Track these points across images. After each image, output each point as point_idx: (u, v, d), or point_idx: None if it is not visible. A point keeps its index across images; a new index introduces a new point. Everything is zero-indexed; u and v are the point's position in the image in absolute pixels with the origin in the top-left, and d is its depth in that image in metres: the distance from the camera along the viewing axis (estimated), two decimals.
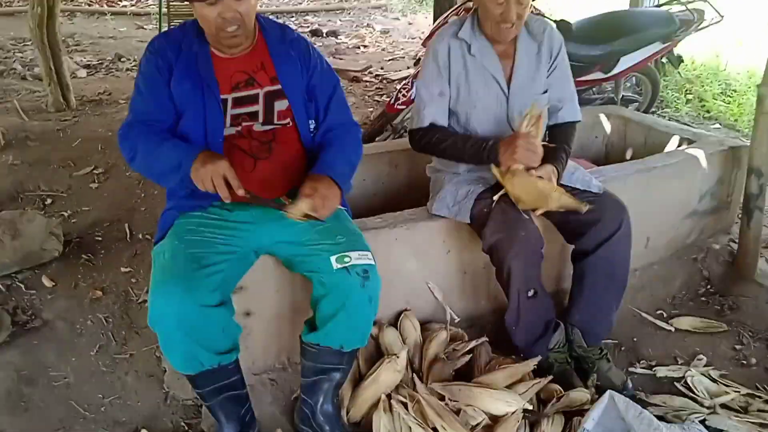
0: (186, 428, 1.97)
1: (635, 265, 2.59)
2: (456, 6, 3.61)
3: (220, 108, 1.78)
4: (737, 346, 2.28)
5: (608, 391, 1.69)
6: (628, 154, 3.11)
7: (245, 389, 1.82)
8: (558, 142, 2.11)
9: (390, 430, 1.80)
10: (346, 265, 1.70)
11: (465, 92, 2.12)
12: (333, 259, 1.71)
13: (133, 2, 8.81)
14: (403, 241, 2.15)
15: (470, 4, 3.37)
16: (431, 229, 2.18)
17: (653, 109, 4.27)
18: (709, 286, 2.60)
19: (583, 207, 1.93)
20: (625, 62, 3.58)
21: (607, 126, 3.21)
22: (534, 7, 3.49)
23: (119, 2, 8.42)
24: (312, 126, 1.92)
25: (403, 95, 3.36)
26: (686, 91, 5.01)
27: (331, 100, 1.93)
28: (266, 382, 2.06)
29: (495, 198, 2.00)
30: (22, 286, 2.53)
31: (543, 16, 3.41)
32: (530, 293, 1.99)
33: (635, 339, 2.33)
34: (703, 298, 2.55)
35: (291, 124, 1.87)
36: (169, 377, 2.08)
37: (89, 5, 8.40)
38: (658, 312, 2.47)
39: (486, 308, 2.36)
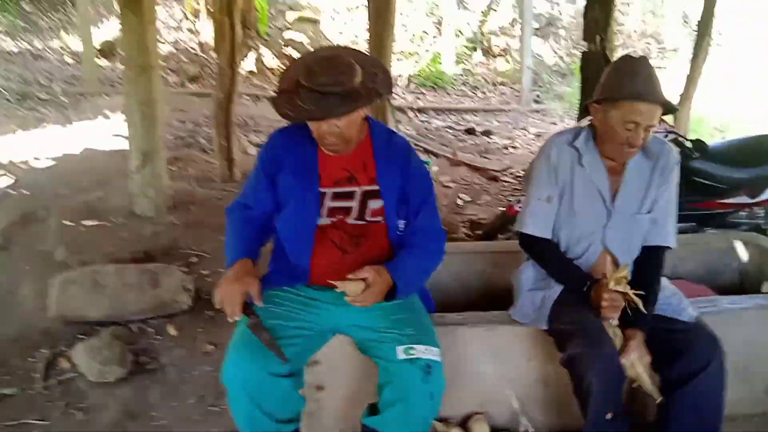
0: None
1: (751, 411, 2.36)
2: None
3: (317, 199, 1.95)
4: None
5: None
6: (765, 287, 2.85)
7: None
8: (647, 272, 2.07)
9: None
10: (411, 357, 1.77)
11: (568, 200, 2.13)
12: (399, 349, 1.78)
13: None
14: (482, 342, 2.17)
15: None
16: (512, 333, 2.18)
17: None
18: None
19: (656, 395, 1.92)
20: None
21: (743, 254, 2.99)
22: (669, 124, 3.43)
23: None
24: (402, 225, 2.03)
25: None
26: None
27: (423, 205, 2.03)
28: None
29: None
30: (152, 331, 2.86)
31: (678, 135, 3.33)
32: (608, 416, 1.90)
33: None
34: None
35: (382, 222, 2.00)
36: None
37: (274, 92, 9.44)
38: None
39: (568, 427, 2.25)
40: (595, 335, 1.93)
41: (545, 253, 2.14)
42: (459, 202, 4.86)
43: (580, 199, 2.12)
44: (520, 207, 3.36)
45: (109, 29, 9.62)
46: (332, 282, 1.82)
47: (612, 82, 2.00)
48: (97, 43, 8.86)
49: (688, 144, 3.22)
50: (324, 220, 1.97)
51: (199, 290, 3.16)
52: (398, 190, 2.00)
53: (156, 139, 3.95)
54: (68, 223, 3.82)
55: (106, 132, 6.49)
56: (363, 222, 1.98)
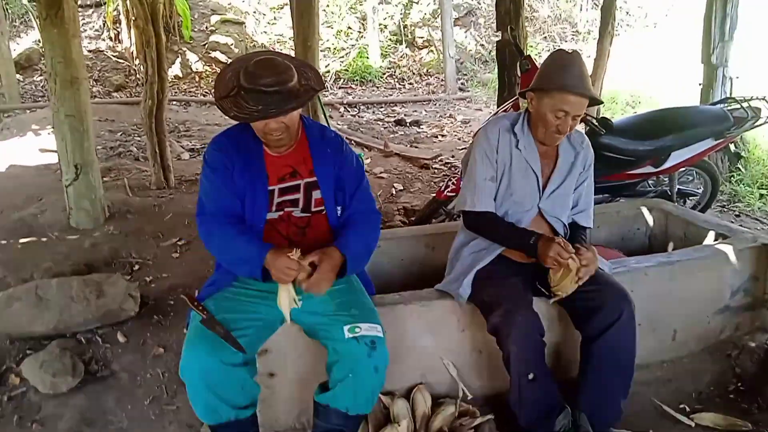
0: None
1: (663, 358, 2.62)
2: (510, 101, 3.87)
3: (266, 197, 2.08)
4: None
5: None
6: (670, 247, 3.15)
7: None
8: (575, 238, 2.34)
9: None
10: (356, 335, 1.92)
11: (506, 181, 2.35)
12: (345, 329, 1.93)
13: None
14: (419, 318, 2.34)
15: (521, 102, 3.62)
16: (446, 307, 2.36)
17: (720, 202, 4.24)
18: (739, 384, 2.55)
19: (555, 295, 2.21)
20: (676, 157, 3.65)
21: (649, 219, 3.28)
22: None
23: None
24: (339, 211, 2.19)
25: (453, 183, 3.60)
26: (759, 186, 4.92)
27: (357, 191, 2.19)
28: None
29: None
30: (100, 340, 2.90)
31: (586, 114, 3.59)
32: (530, 377, 2.11)
33: (651, 431, 2.33)
34: (731, 396, 2.51)
35: (324, 211, 2.16)
36: (205, 429, 2.33)
37: (203, 95, 9.42)
38: (681, 406, 2.45)
39: (500, 388, 2.44)
40: (512, 305, 2.13)
41: (491, 223, 2.33)
42: (393, 191, 5.03)
43: (517, 178, 2.34)
44: (449, 192, 3.59)
45: (24, 42, 9.32)
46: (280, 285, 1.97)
47: (546, 73, 2.22)
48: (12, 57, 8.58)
49: (595, 122, 3.48)
50: (272, 215, 2.10)
51: (145, 297, 3.21)
52: (334, 178, 2.15)
53: (88, 151, 3.93)
54: (3, 242, 3.79)
55: (32, 147, 6.35)
56: (308, 214, 2.13)
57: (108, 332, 2.95)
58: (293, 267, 1.91)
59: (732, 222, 4.01)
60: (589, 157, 2.42)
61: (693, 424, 2.35)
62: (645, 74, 8.44)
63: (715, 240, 2.89)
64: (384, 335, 1.97)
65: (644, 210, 3.28)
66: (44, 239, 3.85)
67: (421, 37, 11.33)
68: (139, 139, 6.79)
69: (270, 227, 2.11)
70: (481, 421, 2.23)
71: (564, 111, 2.16)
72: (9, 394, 2.52)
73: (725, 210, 4.65)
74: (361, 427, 2.19)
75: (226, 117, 1.96)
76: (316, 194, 2.13)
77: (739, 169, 4.87)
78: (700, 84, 5.09)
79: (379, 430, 2.15)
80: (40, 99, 8.47)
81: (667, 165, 3.66)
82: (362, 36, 11.11)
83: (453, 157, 6.01)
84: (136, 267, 3.64)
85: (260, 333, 2.06)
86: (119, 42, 9.92)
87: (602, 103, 2.36)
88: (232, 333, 1.91)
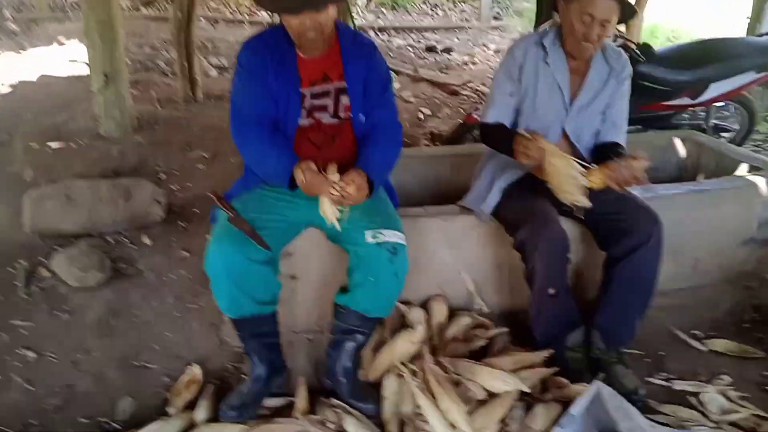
0: (232, 370, 2.29)
1: (682, 285, 2.62)
2: (546, 22, 3.75)
3: (299, 100, 2.06)
4: (767, 373, 2.25)
5: (595, 381, 1.78)
6: (700, 178, 3.09)
7: (278, 339, 2.10)
8: (606, 150, 2.23)
9: (396, 392, 2.01)
10: (378, 240, 1.93)
11: (531, 96, 2.29)
12: (368, 234, 1.94)
13: (270, 14, 9.59)
14: (440, 232, 2.35)
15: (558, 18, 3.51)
16: (468, 222, 2.36)
17: (754, 142, 4.13)
18: (756, 315, 2.55)
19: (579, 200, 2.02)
20: (715, 89, 3.54)
21: (681, 150, 3.21)
22: (618, 31, 3.56)
23: (257, 13, 9.20)
24: (362, 118, 2.15)
25: (482, 106, 3.54)
26: None
27: (381, 98, 2.14)
28: (304, 340, 2.34)
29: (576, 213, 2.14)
30: (127, 241, 2.98)
31: (627, 39, 3.48)
32: (551, 292, 2.12)
33: (663, 353, 2.36)
34: (746, 326, 2.51)
35: (350, 118, 2.14)
36: (226, 327, 2.40)
37: (231, 14, 9.28)
38: (695, 332, 2.47)
39: (519, 305, 2.47)
40: (541, 221, 2.12)
41: (497, 133, 2.28)
42: (420, 116, 4.98)
43: (543, 95, 2.28)
44: (478, 114, 3.54)
45: None
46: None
47: None
48: None
49: (635, 48, 3.37)
50: (303, 122, 2.09)
51: (171, 204, 3.27)
52: (362, 84, 2.11)
53: (117, 60, 3.94)
54: (34, 145, 3.85)
55: (62, 58, 6.36)
56: (337, 120, 2.11)
57: (134, 234, 3.03)
58: (328, 185, 1.90)
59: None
60: (625, 71, 2.30)
61: (705, 349, 2.38)
62: (688, 8, 8.08)
63: (747, 173, 2.82)
64: (406, 243, 1.99)
65: (676, 140, 3.21)
66: (73, 145, 3.91)
67: None
68: (167, 54, 6.76)
69: (301, 134, 2.10)
70: (495, 333, 2.27)
71: (590, 15, 2.06)
72: (39, 285, 2.62)
73: (759, 149, 4.52)
74: (378, 330, 2.24)
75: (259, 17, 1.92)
76: (345, 100, 2.10)
77: None
78: (747, 17, 4.87)
79: (395, 334, 2.20)
80: (69, 11, 8.42)
81: (705, 97, 3.56)
82: None
83: (483, 84, 5.89)
84: (163, 176, 3.69)
85: (284, 234, 2.09)
86: None
87: (636, 13, 2.23)
88: (257, 232, 1.94)
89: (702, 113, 3.83)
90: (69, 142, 3.92)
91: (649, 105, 3.57)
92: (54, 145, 3.86)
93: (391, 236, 1.96)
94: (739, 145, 3.91)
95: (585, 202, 2.01)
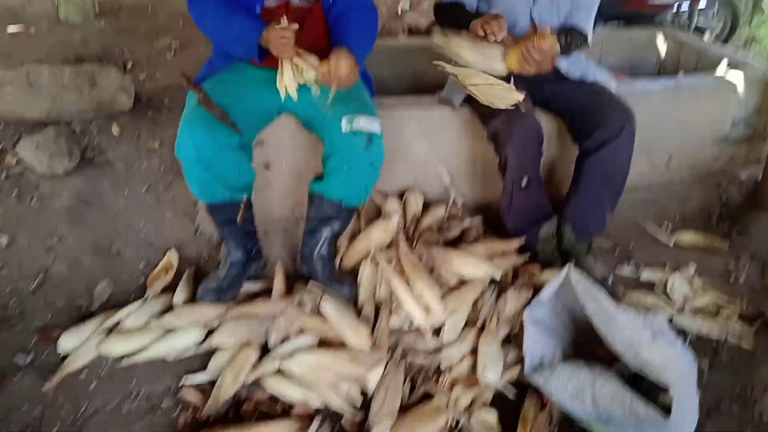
0: (207, 257, 2.30)
1: (653, 182, 2.66)
2: None
3: None
4: (731, 264, 2.33)
5: (566, 266, 1.83)
6: (679, 76, 3.07)
7: (253, 227, 2.10)
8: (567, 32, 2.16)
9: (372, 278, 2.04)
10: (354, 127, 1.89)
11: None
12: (344, 120, 1.90)
13: None
14: (417, 123, 2.32)
15: None
16: (444, 115, 2.33)
17: (735, 45, 4.10)
18: (723, 211, 2.62)
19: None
20: None
21: (662, 47, 3.17)
22: None
23: None
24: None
25: None
26: None
27: None
28: (279, 230, 2.34)
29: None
30: (94, 130, 2.89)
31: None
32: (523, 183, 2.13)
33: (632, 246, 2.42)
34: (713, 222, 2.58)
35: (320, 1, 2.03)
36: (201, 215, 2.39)
37: None
38: (663, 225, 2.53)
39: (493, 198, 2.49)
40: (514, 110, 2.09)
41: (454, 12, 2.21)
42: (398, 10, 4.80)
43: None
44: None
45: None
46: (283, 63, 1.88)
47: None
48: None
49: None
50: (269, 2, 1.99)
51: (139, 94, 3.16)
52: None
53: None
54: None
55: None
56: (306, 2, 2.01)
57: (102, 124, 2.92)
58: (287, 36, 1.82)
59: None
60: None
61: (673, 242, 2.45)
62: None
63: (725, 72, 2.81)
64: (382, 131, 1.96)
65: (658, 37, 3.16)
66: (33, 31, 3.70)
67: None
68: None
69: (267, 17, 1.99)
70: (469, 224, 2.29)
71: None
72: (7, 173, 2.54)
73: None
74: (354, 221, 2.25)
75: None
76: None
77: (762, 12, 4.64)
78: None
79: (370, 223, 2.21)
80: None
81: None
82: None
83: None
84: (129, 65, 3.54)
85: (257, 120, 2.04)
86: None
87: None
88: (228, 116, 1.88)
89: (686, 11, 3.76)
90: (28, 27, 3.71)
91: (632, 2, 3.48)
92: (11, 29, 3.66)
93: (366, 123, 1.92)
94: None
95: (518, 97, 1.96)
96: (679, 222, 2.58)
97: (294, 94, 1.91)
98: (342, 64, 1.83)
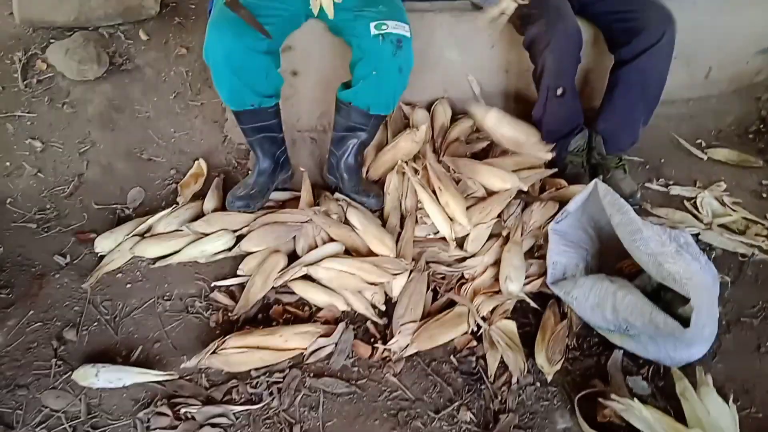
0: (236, 165, 2.33)
1: (691, 95, 2.58)
2: None
3: None
4: (764, 182, 2.29)
5: (594, 180, 1.81)
6: None
7: (281, 134, 2.10)
8: None
9: (398, 188, 2.06)
10: (383, 32, 1.84)
11: None
12: (372, 25, 1.85)
13: None
14: (448, 29, 2.25)
15: None
16: (477, 21, 2.24)
17: None
18: (762, 126, 2.54)
19: None
20: None
21: None
22: None
23: None
24: None
25: None
26: None
27: None
28: (306, 138, 2.35)
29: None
30: (122, 36, 2.86)
31: None
32: (559, 91, 2.08)
33: (663, 161, 2.38)
34: (750, 136, 2.52)
35: None
36: (229, 124, 2.40)
37: None
38: (698, 141, 2.47)
39: (524, 110, 2.44)
40: (555, 14, 2.01)
41: None
42: None
43: None
44: None
45: None
46: None
47: None
48: None
49: None
50: None
51: None
52: None
53: None
54: None
55: None
56: None
57: (130, 29, 2.90)
58: None
59: None
60: None
61: (705, 158, 2.40)
62: None
63: None
64: (411, 36, 1.91)
65: None
66: None
67: None
68: None
69: None
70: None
71: None
72: (38, 78, 2.57)
73: None
74: (381, 132, 2.24)
75: None
76: None
77: None
78: None
79: (397, 134, 2.20)
80: None
81: None
82: None
83: None
84: None
85: (284, 25, 2.00)
86: None
87: None
88: (257, 18, 1.85)
89: None
90: None
91: None
92: None
93: (395, 27, 1.86)
94: None
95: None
96: (714, 137, 2.51)
97: (330, 11, 1.86)
98: None
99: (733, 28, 2.45)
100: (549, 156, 2.14)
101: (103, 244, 1.94)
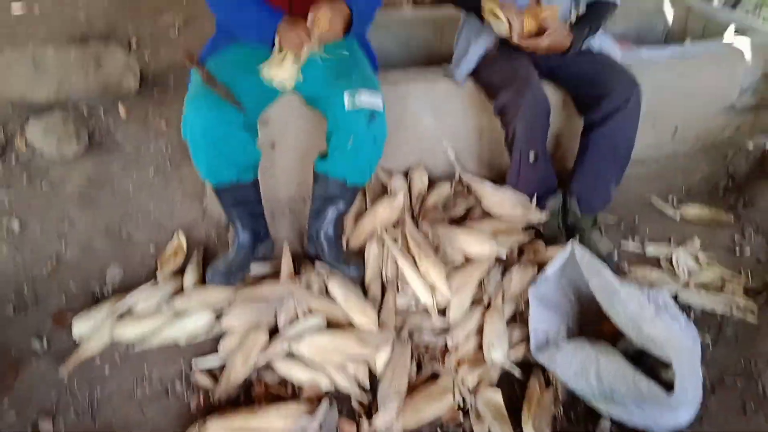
0: (216, 238, 2.33)
1: (659, 154, 2.65)
2: None
3: None
4: (737, 237, 2.33)
5: (570, 241, 1.84)
6: (687, 43, 3.03)
7: (260, 207, 2.11)
8: (588, 14, 2.17)
9: (378, 257, 2.07)
10: (356, 103, 1.87)
11: None
12: (346, 94, 1.89)
13: None
14: (422, 98, 2.31)
15: None
16: (450, 88, 2.32)
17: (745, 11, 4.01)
18: (730, 182, 2.61)
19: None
20: None
21: (669, 14, 3.12)
22: None
23: None
24: None
25: None
26: None
27: None
28: (285, 210, 2.36)
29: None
30: (102, 112, 2.90)
31: None
32: (531, 156, 2.13)
33: (637, 220, 2.43)
34: (720, 193, 2.58)
35: None
36: (209, 198, 2.41)
37: None
38: (669, 199, 2.53)
39: (498, 174, 2.49)
40: (522, 83, 2.08)
41: None
42: None
43: None
44: None
45: None
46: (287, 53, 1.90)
47: None
48: None
49: None
50: None
51: (144, 73, 3.16)
52: None
53: None
54: None
55: None
56: None
57: (109, 106, 2.94)
58: (303, 37, 1.86)
59: None
60: None
61: (678, 216, 2.45)
62: None
63: (733, 38, 2.76)
64: (384, 107, 1.95)
65: (665, 3, 3.10)
66: (35, 12, 3.69)
67: None
68: None
69: None
70: (474, 201, 2.30)
71: None
72: (17, 158, 2.58)
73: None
74: (359, 200, 2.27)
75: None
76: None
77: None
78: None
79: (376, 200, 2.22)
80: None
81: None
82: None
83: None
84: (134, 42, 3.53)
85: (260, 98, 2.04)
86: None
87: None
88: (232, 93, 1.89)
89: None
90: (31, 6, 3.70)
91: None
92: (15, 8, 3.65)
93: (368, 98, 1.90)
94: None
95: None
96: (684, 195, 2.57)
97: (290, 84, 1.93)
98: (321, 14, 1.85)
99: (696, 87, 2.54)
100: (543, 218, 2.16)
101: (80, 326, 1.91)
